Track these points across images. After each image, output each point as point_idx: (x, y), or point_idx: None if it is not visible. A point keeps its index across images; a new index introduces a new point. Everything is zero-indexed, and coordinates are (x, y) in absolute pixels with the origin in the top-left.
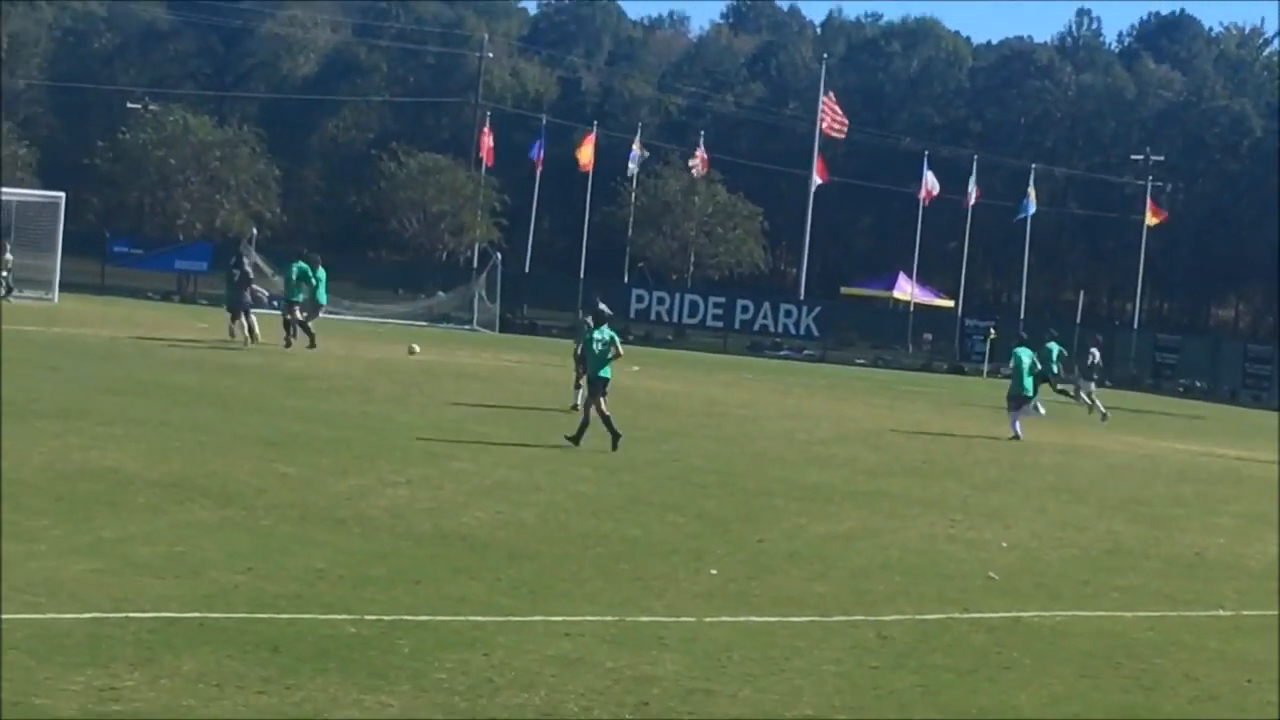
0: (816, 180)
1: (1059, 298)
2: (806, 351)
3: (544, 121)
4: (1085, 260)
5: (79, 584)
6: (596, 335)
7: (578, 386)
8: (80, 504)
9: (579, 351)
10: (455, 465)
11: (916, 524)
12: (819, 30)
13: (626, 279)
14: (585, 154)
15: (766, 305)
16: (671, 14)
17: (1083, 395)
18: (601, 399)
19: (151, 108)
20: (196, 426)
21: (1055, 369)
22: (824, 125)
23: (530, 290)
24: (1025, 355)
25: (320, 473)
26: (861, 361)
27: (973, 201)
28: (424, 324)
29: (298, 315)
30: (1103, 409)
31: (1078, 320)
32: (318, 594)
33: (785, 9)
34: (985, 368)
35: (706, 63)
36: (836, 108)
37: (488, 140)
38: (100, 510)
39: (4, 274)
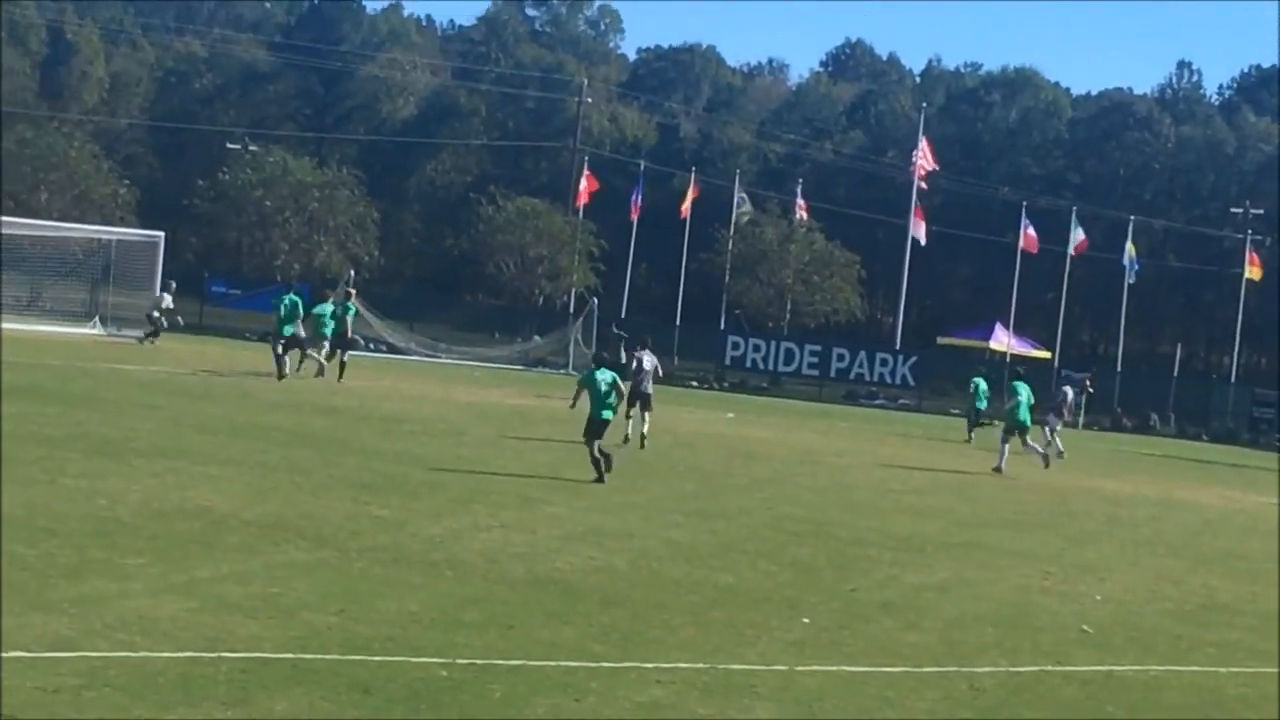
0: (919, 237)
1: (1156, 350)
2: (902, 401)
3: (642, 167)
4: (1183, 313)
5: (173, 623)
6: (600, 377)
7: (628, 418)
8: (175, 543)
9: (580, 391)
10: (548, 510)
11: (1010, 575)
12: (918, 79)
13: (723, 326)
14: (687, 201)
15: (862, 354)
16: (771, 61)
17: (1047, 433)
18: (597, 439)
19: (251, 148)
20: (292, 467)
21: (981, 404)
22: (918, 172)
23: (626, 335)
24: (1023, 389)
25: (414, 515)
26: (956, 411)
27: (1075, 251)
28: (519, 368)
29: (281, 347)
30: (1060, 447)
31: (1174, 373)
32: (410, 637)
33: (885, 57)
34: (1081, 419)
35: (805, 110)
36: (928, 152)
37: (588, 184)
38: (195, 550)
39: (158, 315)
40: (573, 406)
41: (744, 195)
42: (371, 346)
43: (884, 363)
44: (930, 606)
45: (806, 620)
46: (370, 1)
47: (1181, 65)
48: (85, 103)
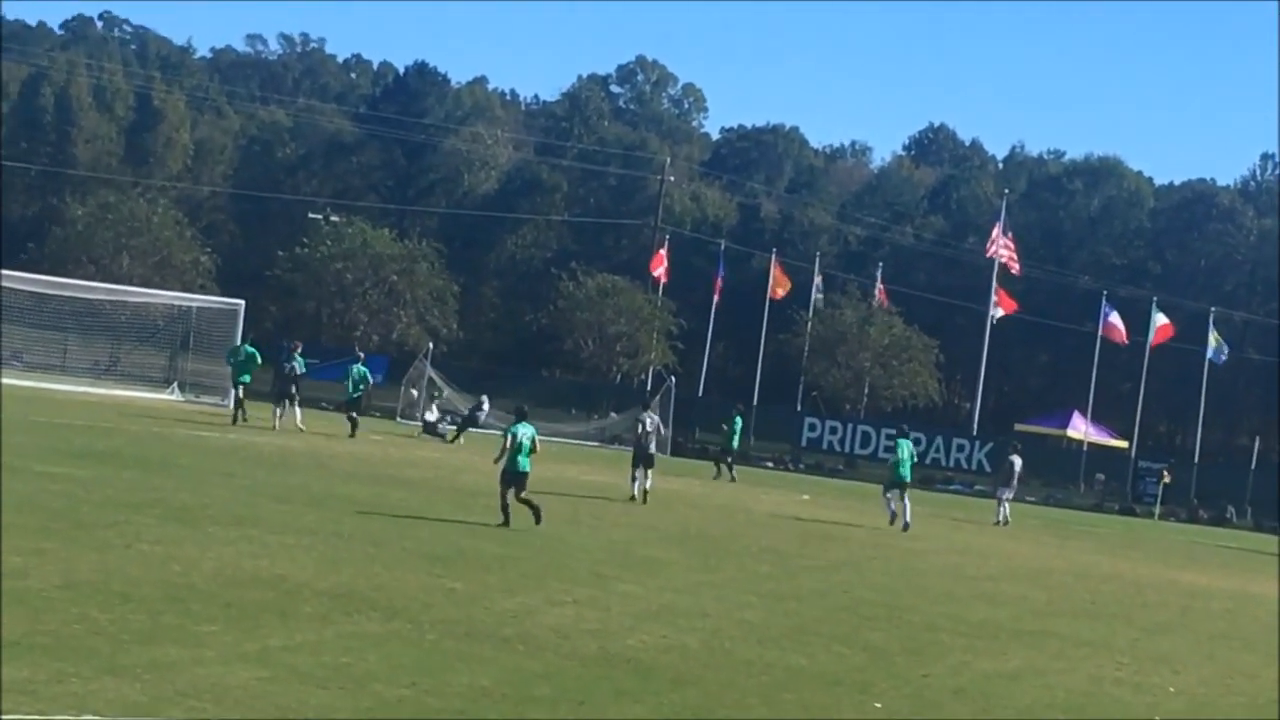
0: (999, 312)
1: (1234, 442)
2: (978, 487)
3: (723, 246)
4: (1261, 406)
5: (245, 691)
6: (521, 430)
7: (633, 479)
8: (249, 611)
9: (506, 444)
10: (622, 587)
11: (1083, 665)
12: (1001, 165)
13: (799, 407)
14: (779, 285)
15: (939, 439)
16: (854, 143)
17: (1002, 505)
18: (520, 490)
19: (333, 219)
20: (366, 538)
21: (735, 443)
22: (995, 253)
23: (703, 415)
24: (904, 446)
25: (487, 589)
26: (1032, 499)
27: (1158, 340)
28: (595, 444)
29: (240, 395)
30: (1006, 516)
31: (1252, 465)
32: (481, 711)
33: (968, 143)
34: (1157, 510)
35: (887, 193)
36: (1010, 243)
37: (661, 260)
38: (268, 618)
39: (430, 419)
40: (497, 461)
41: (818, 281)
42: (448, 419)
43: (960, 448)
44: (1002, 694)
45: (878, 705)
46: (455, 75)
47: (1265, 157)
48: (169, 169)
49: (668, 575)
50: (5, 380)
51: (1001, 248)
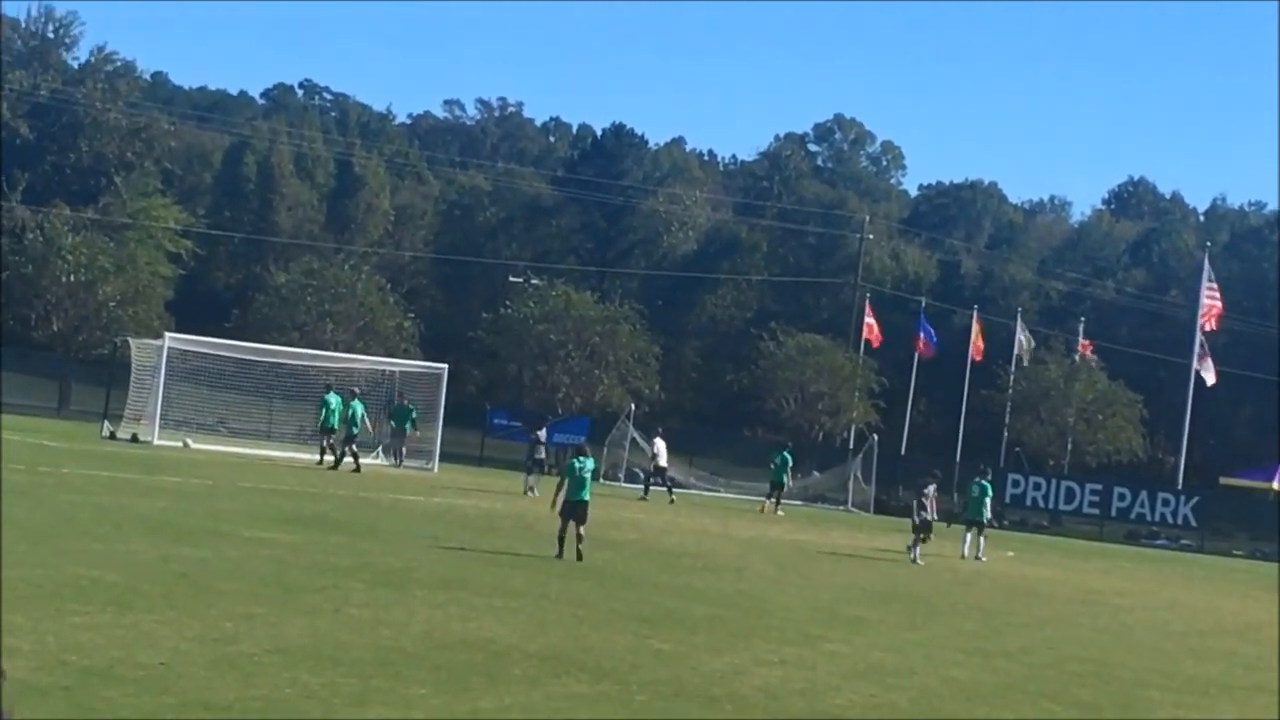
0: (1208, 378)
1: None
2: (1184, 541)
3: (924, 304)
4: None
5: None
6: (579, 464)
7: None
8: (458, 674)
9: (563, 481)
10: (828, 646)
11: None
12: (1202, 217)
13: (1002, 463)
14: (978, 347)
15: (1144, 494)
16: (1053, 198)
17: None
18: (580, 524)
19: (534, 281)
20: (573, 600)
21: (784, 478)
22: (1205, 317)
23: (906, 473)
24: (975, 488)
25: (694, 650)
26: (1239, 553)
27: None
28: (799, 503)
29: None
30: None
31: None
32: None
33: (1168, 195)
34: None
35: (1087, 248)
36: (1217, 297)
37: (871, 321)
38: (477, 681)
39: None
40: (553, 507)
41: (1025, 335)
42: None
43: (1166, 503)
44: None
45: None
46: (652, 136)
47: None
48: (370, 235)
49: (874, 633)
50: (211, 447)
51: (1209, 301)
